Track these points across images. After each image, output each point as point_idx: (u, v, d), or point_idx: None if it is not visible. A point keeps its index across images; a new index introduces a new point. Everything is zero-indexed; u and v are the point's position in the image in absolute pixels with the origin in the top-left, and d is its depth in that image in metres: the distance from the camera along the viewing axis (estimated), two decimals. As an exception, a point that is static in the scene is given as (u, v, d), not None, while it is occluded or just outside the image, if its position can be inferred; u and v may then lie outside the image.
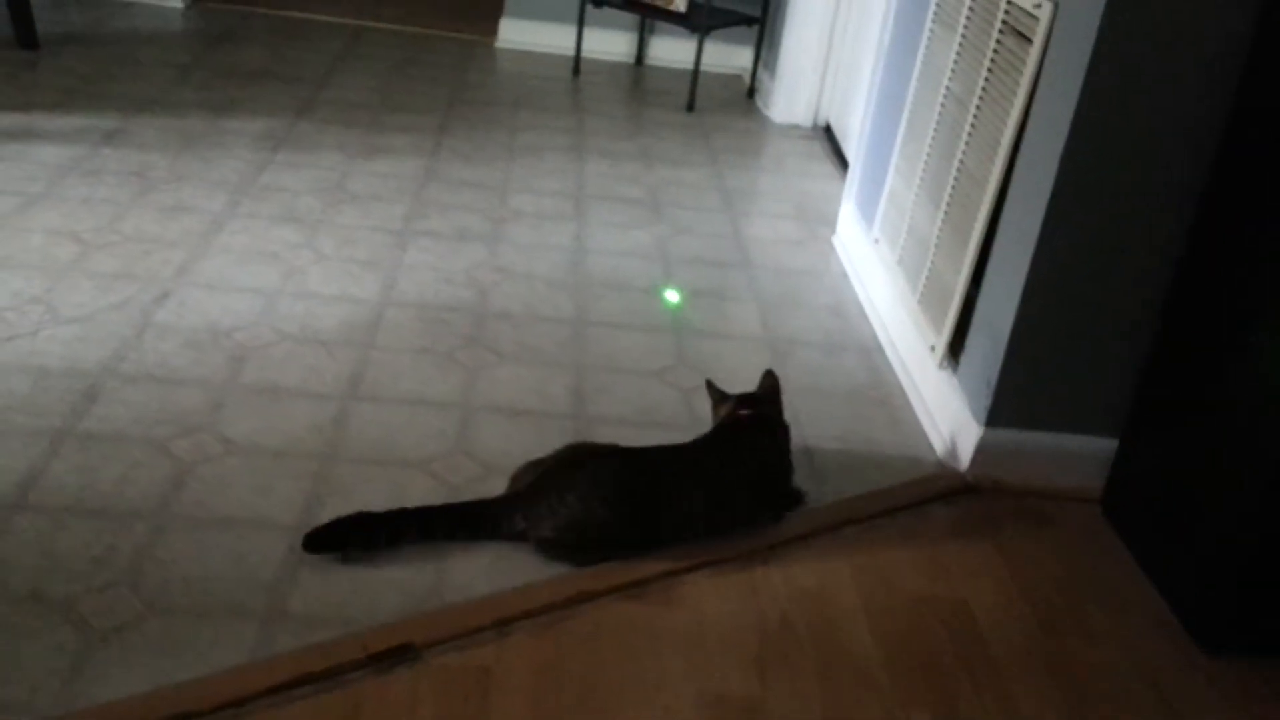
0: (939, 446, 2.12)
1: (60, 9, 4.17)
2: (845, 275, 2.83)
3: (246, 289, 2.38)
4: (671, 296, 2.31)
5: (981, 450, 2.01)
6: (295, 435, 1.92)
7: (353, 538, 1.65)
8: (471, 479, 1.87)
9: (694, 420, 2.11)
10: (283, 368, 2.11)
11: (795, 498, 1.90)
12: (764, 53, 4.27)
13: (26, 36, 3.65)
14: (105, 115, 3.20)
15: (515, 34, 4.47)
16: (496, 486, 1.85)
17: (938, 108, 2.33)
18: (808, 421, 2.17)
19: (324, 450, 1.89)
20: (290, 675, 1.41)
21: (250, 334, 2.21)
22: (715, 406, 1.95)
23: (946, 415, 2.12)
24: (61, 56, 3.65)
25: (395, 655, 1.47)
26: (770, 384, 1.97)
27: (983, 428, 1.99)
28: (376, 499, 1.78)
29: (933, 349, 2.20)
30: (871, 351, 2.48)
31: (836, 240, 3.01)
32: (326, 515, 1.73)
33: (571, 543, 1.68)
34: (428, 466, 1.88)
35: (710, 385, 1.98)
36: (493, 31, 4.51)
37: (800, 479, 1.97)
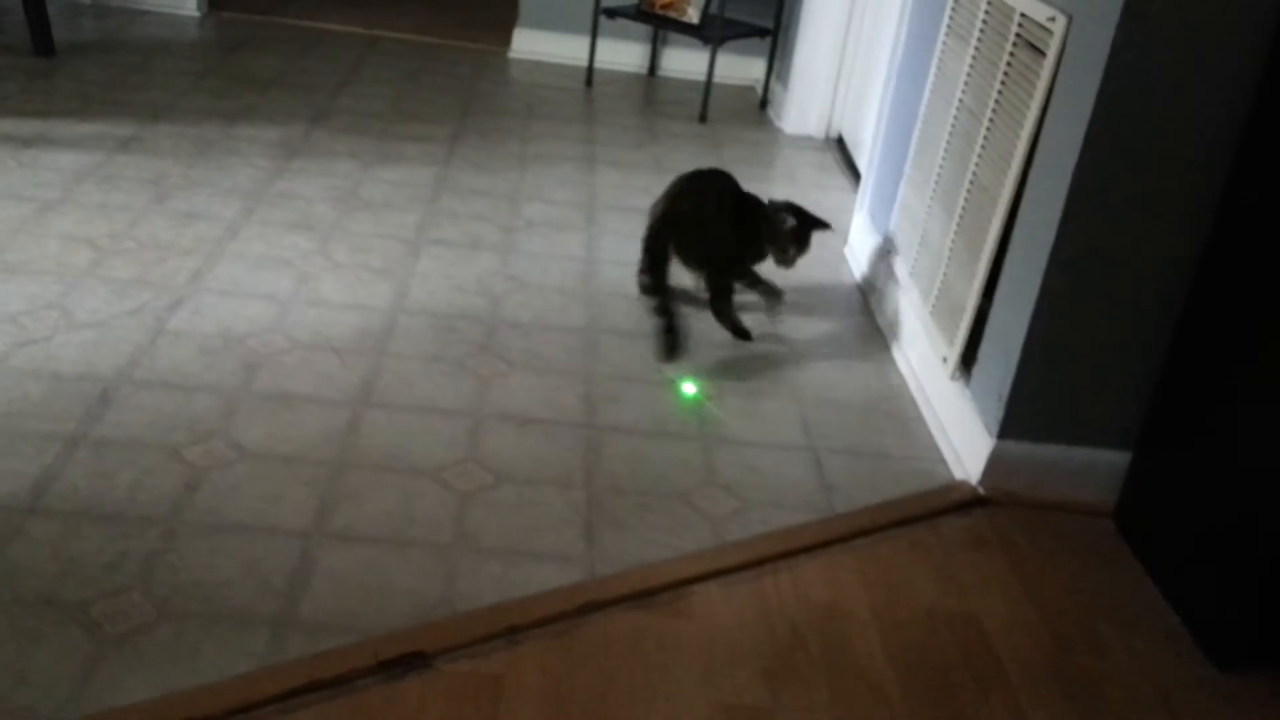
0: (951, 458, 2.12)
1: (76, 17, 4.20)
2: (857, 286, 2.83)
3: (260, 296, 2.39)
4: (688, 389, 2.18)
5: (994, 462, 2.00)
6: (307, 442, 1.93)
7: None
8: (482, 487, 1.87)
9: (705, 428, 2.11)
10: (295, 374, 2.12)
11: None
12: (776, 64, 4.28)
13: (43, 44, 3.68)
14: (121, 122, 3.22)
15: (528, 44, 4.49)
16: (508, 494, 1.86)
17: (950, 120, 2.33)
18: (819, 432, 2.16)
19: (335, 457, 1.90)
20: (301, 682, 1.41)
21: (263, 340, 2.22)
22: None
23: (958, 427, 2.12)
24: (77, 64, 3.67)
25: (406, 663, 1.47)
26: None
27: (995, 440, 1.99)
28: (387, 506, 1.79)
29: (945, 360, 2.19)
30: (883, 363, 2.47)
31: (848, 251, 3.01)
32: (337, 523, 1.73)
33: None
34: (439, 474, 1.89)
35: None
36: (506, 42, 4.53)
37: (811, 490, 1.97)
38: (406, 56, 4.32)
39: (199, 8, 4.43)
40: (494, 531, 1.77)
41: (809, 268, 2.92)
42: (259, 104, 3.54)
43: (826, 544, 1.84)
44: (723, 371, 2.34)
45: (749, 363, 2.40)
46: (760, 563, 1.77)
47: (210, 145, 3.15)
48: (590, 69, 4.30)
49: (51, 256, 2.43)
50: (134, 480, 1.77)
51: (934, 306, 2.30)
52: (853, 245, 2.99)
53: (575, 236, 2.91)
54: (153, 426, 1.90)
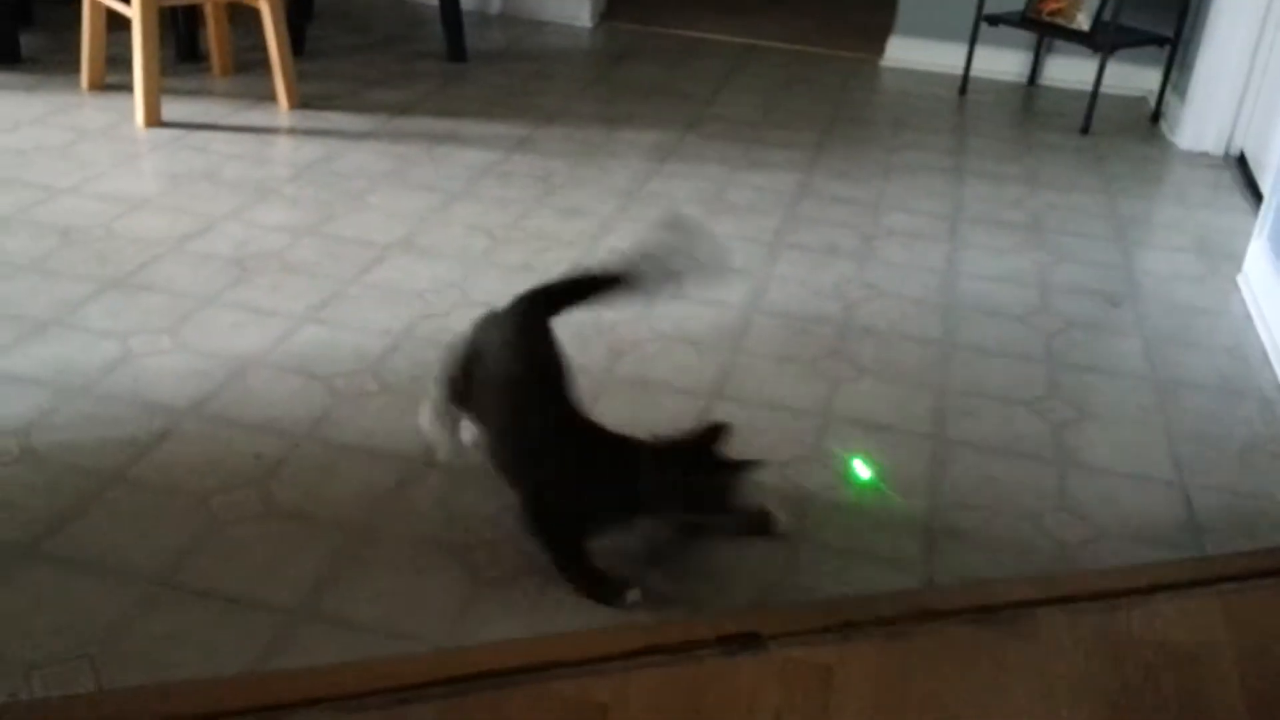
0: (1348, 512, 1.91)
1: (486, 27, 4.64)
2: (1249, 317, 2.60)
3: (629, 288, 2.55)
4: (862, 471, 1.91)
5: (1402, 521, 1.78)
6: (662, 426, 2.02)
7: None
8: (825, 486, 1.90)
9: (1060, 452, 2.03)
10: (655, 363, 2.25)
11: None
12: (1174, 75, 3.98)
13: (457, 51, 4.11)
14: (518, 124, 3.53)
15: (902, 52, 4.45)
16: (850, 496, 1.88)
17: (1379, 136, 2.09)
18: (1191, 468, 2.01)
19: (688, 443, 1.99)
20: (644, 644, 1.51)
21: (628, 329, 2.37)
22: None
23: (1360, 478, 1.90)
24: (485, 70, 4.07)
25: (742, 641, 1.53)
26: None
27: (1406, 496, 1.77)
28: (734, 494, 1.86)
29: (1349, 403, 1.97)
30: (1273, 401, 2.26)
31: (1241, 279, 2.76)
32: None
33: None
34: (782, 471, 1.94)
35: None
36: (880, 50, 4.52)
37: (1176, 527, 1.85)
38: (779, 65, 4.42)
39: (591, 19, 4.76)
40: (834, 529, 1.80)
41: (1194, 293, 2.71)
42: (639, 110, 3.76)
43: (1190, 585, 1.72)
44: (1086, 398, 2.23)
45: (1113, 390, 2.27)
46: (1113, 595, 1.68)
47: (594, 147, 3.38)
48: (965, 78, 4.20)
49: (454, 242, 2.71)
50: (512, 445, 1.95)
51: (1341, 343, 2.07)
52: (1247, 272, 2.75)
53: (936, 248, 2.87)
54: (530, 399, 2.09)
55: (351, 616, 1.55)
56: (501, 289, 2.48)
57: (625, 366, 2.23)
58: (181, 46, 3.83)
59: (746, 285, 2.60)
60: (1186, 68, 3.83)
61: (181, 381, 2.06)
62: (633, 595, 1.57)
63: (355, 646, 1.51)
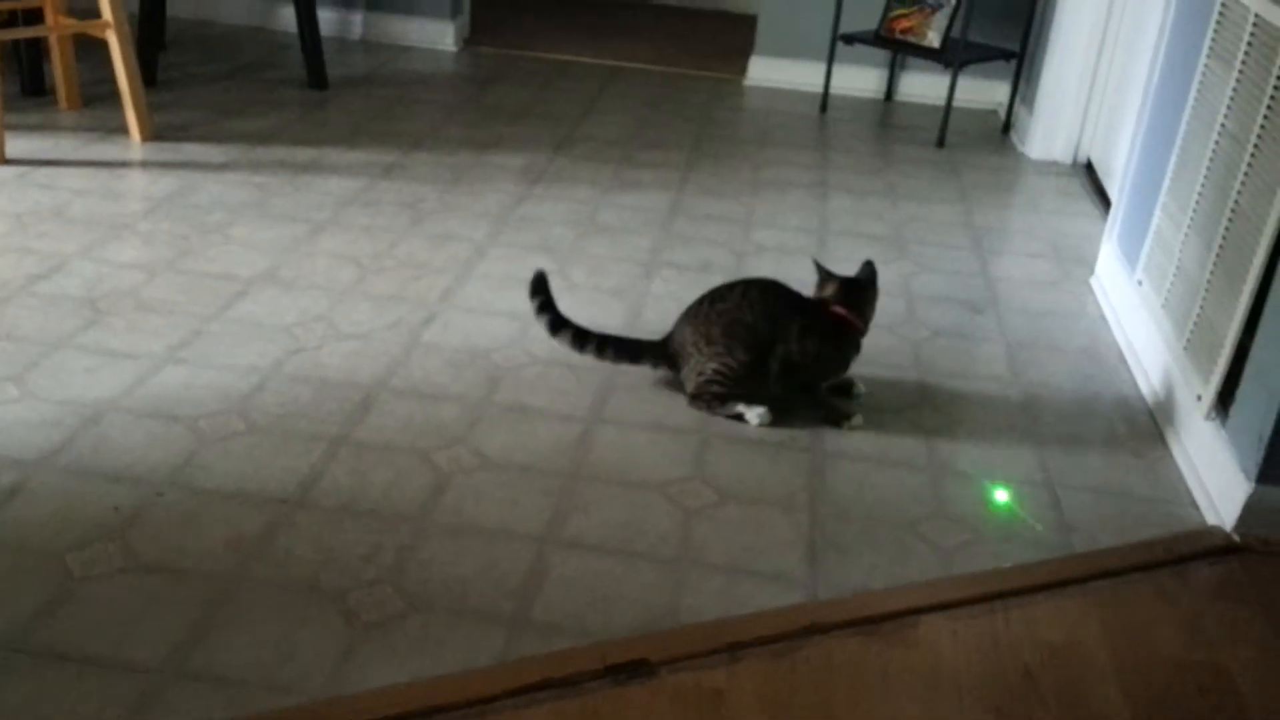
0: (1202, 502, 1.99)
1: (348, 52, 4.56)
2: (1103, 318, 2.71)
3: (503, 313, 2.52)
4: (1001, 497, 2.01)
5: (1250, 508, 1.87)
6: (542, 453, 2.02)
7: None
8: (707, 504, 1.90)
9: (933, 459, 2.08)
10: (533, 388, 2.22)
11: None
12: (1022, 87, 4.15)
13: (317, 78, 4.02)
14: (384, 151, 3.47)
15: (764, 72, 4.53)
16: (732, 513, 1.89)
17: (1211, 145, 2.20)
18: (1057, 468, 2.08)
19: (568, 468, 1.98)
20: (534, 680, 1.48)
21: (505, 355, 2.34)
22: (821, 284, 2.23)
23: (1212, 469, 1.99)
24: (347, 97, 3.98)
25: (632, 669, 1.52)
26: (869, 274, 2.24)
27: (1252, 484, 1.86)
28: (616, 517, 1.85)
29: (1199, 399, 2.07)
30: (1130, 399, 2.36)
31: (1094, 282, 2.88)
32: (569, 530, 1.81)
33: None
34: (665, 490, 1.93)
35: (818, 265, 2.26)
36: (742, 70, 4.59)
37: (1048, 528, 1.91)
38: (645, 86, 4.45)
39: (455, 43, 4.72)
40: (718, 548, 1.80)
41: (1050, 297, 2.82)
42: (508, 133, 3.74)
43: (1063, 584, 1.77)
44: (954, 405, 2.29)
45: (980, 395, 2.34)
46: (991, 598, 1.72)
47: (463, 172, 3.35)
48: (825, 95, 4.30)
49: (321, 273, 2.64)
50: (389, 480, 1.90)
51: (1188, 341, 2.17)
52: (1099, 275, 2.87)
53: (806, 263, 2.90)
54: (406, 431, 2.04)
55: (223, 671, 1.49)
56: (372, 320, 2.44)
57: (503, 393, 2.20)
58: (26, 80, 3.65)
59: (623, 306, 2.60)
60: (1033, 81, 3.99)
61: (31, 432, 1.95)
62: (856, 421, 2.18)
63: (228, 703, 1.44)
